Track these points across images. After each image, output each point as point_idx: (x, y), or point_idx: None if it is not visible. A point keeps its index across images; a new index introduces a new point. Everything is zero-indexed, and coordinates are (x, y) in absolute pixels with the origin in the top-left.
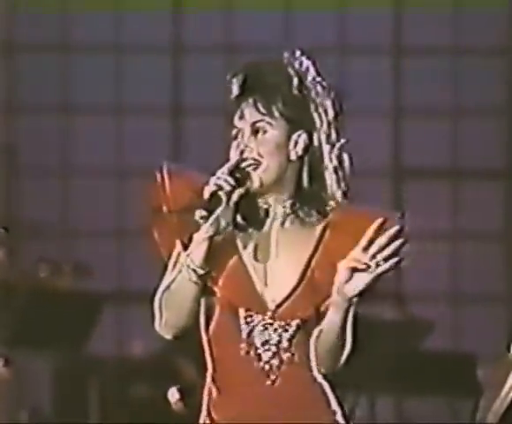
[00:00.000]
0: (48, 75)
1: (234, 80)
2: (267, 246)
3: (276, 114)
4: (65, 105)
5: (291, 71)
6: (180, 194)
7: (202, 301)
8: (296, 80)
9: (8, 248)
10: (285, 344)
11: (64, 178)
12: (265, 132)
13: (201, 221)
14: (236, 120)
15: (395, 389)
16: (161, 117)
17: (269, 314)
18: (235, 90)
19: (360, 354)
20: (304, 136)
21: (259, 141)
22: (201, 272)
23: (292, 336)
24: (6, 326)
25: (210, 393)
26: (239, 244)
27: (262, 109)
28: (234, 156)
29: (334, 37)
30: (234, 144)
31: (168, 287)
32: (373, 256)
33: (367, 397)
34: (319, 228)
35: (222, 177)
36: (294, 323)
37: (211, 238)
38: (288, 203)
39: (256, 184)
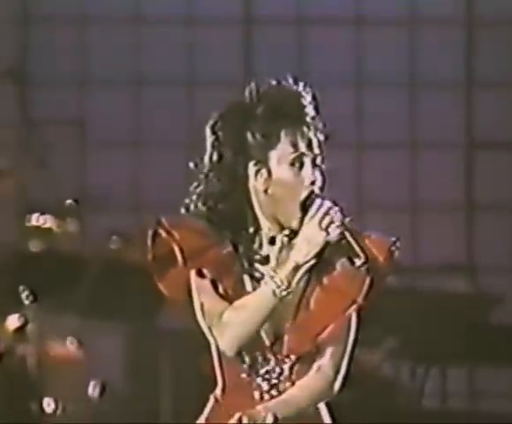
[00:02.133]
0: (119, 48)
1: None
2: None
3: (325, 151)
4: (135, 78)
5: (308, 102)
6: (189, 241)
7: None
8: (314, 113)
9: (79, 221)
10: (286, 372)
11: (133, 149)
12: (317, 165)
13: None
14: (300, 144)
15: (466, 361)
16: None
17: (268, 351)
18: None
19: (432, 327)
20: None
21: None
22: (285, 293)
23: (293, 366)
24: (78, 299)
25: (216, 402)
26: (247, 281)
27: (323, 143)
28: (295, 182)
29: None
30: (294, 173)
31: (237, 306)
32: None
33: (439, 369)
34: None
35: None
36: (293, 357)
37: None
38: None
39: None
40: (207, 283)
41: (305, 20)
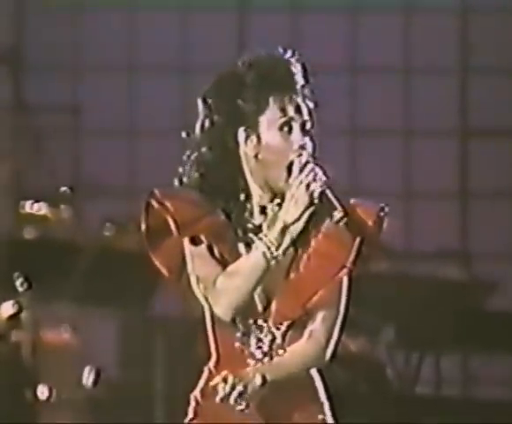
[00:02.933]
0: (114, 34)
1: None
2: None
3: (314, 117)
4: (130, 65)
5: (297, 72)
6: (182, 211)
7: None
8: (303, 82)
9: (73, 208)
10: (279, 340)
11: (128, 136)
12: (308, 131)
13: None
14: (289, 109)
15: (460, 347)
16: None
17: (260, 317)
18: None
19: (426, 313)
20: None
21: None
22: (276, 253)
23: (285, 333)
24: (73, 286)
25: (210, 374)
26: (242, 249)
27: (311, 110)
28: (289, 151)
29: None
30: (284, 137)
31: (230, 271)
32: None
33: (433, 356)
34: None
35: (321, 176)
36: (285, 323)
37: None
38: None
39: None
40: (202, 248)
41: (300, 8)
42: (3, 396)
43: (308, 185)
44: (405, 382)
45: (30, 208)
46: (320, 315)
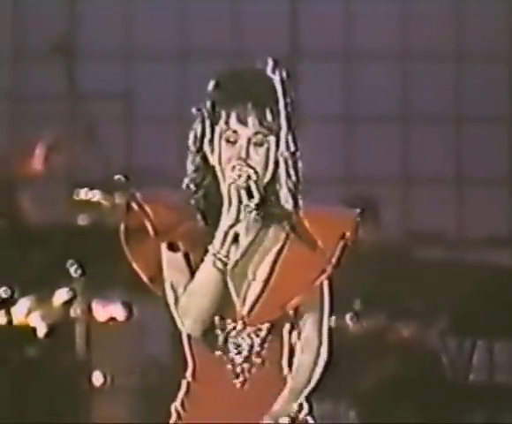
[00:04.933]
0: (165, 20)
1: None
2: (237, 254)
3: (274, 128)
4: (182, 52)
5: (279, 89)
6: (161, 215)
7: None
8: (283, 98)
9: (127, 195)
10: (257, 348)
11: (179, 123)
12: (261, 144)
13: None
14: (233, 123)
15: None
16: None
17: (241, 320)
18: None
19: (479, 300)
20: (284, 154)
21: (256, 152)
22: (227, 260)
23: (264, 340)
24: (126, 273)
25: (188, 385)
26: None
27: (266, 123)
28: (228, 157)
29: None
30: (229, 148)
31: (185, 288)
32: None
33: (485, 343)
34: (281, 233)
35: (246, 169)
36: (265, 327)
37: (234, 228)
38: (254, 212)
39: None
40: (178, 256)
41: None
42: (58, 383)
43: (235, 184)
44: (458, 369)
45: (84, 195)
46: (308, 321)
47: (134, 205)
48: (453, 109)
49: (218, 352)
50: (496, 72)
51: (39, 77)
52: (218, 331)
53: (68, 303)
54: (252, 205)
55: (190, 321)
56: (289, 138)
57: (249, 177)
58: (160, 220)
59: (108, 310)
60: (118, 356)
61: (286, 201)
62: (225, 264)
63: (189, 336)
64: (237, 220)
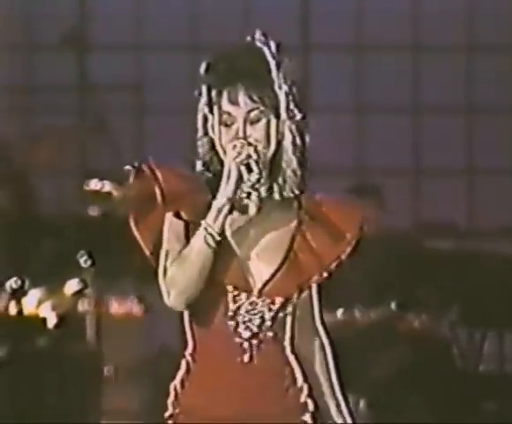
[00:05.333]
0: (175, 12)
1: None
2: (248, 227)
3: (267, 102)
4: (192, 42)
5: (269, 57)
6: (172, 183)
7: None
8: (275, 66)
9: None
10: (268, 322)
11: (190, 114)
12: (258, 120)
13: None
14: (225, 105)
15: None
16: None
17: (255, 292)
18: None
19: (490, 291)
20: (287, 123)
21: (254, 129)
22: (219, 238)
23: (275, 315)
24: (136, 263)
25: (188, 365)
26: (227, 228)
27: (256, 99)
28: (228, 139)
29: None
30: (226, 130)
31: (175, 259)
32: None
33: (496, 333)
34: (294, 210)
35: (247, 147)
36: (278, 301)
37: (230, 205)
38: (264, 187)
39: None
40: (179, 224)
41: None
42: (68, 373)
43: (235, 161)
44: (469, 359)
45: (95, 185)
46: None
47: (145, 168)
48: (464, 99)
49: (229, 324)
50: (508, 63)
51: (50, 68)
52: (230, 303)
53: (78, 293)
54: (253, 179)
55: (174, 293)
56: (291, 106)
57: (249, 156)
58: (169, 187)
59: (124, 307)
60: (129, 346)
61: (295, 175)
62: (216, 241)
63: (190, 313)
64: (233, 197)
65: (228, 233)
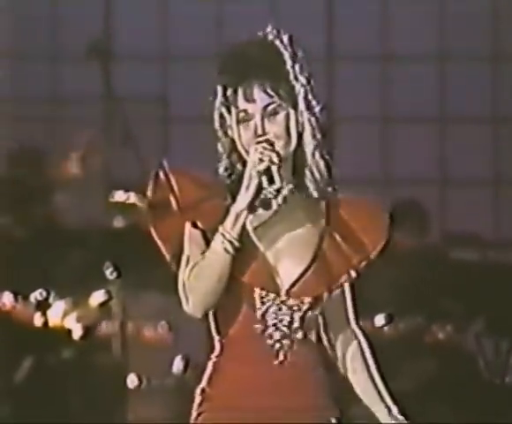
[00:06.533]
0: (201, 22)
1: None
2: (272, 223)
3: (283, 95)
4: (217, 54)
5: (283, 49)
6: (187, 190)
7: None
8: (289, 58)
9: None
10: (297, 323)
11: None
12: (276, 113)
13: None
14: (241, 103)
15: None
16: None
17: (284, 292)
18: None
19: None
20: (305, 115)
21: (273, 124)
22: (237, 244)
23: (304, 315)
24: (162, 275)
25: (215, 367)
26: (248, 225)
27: (272, 93)
28: (248, 141)
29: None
30: (244, 128)
31: (194, 265)
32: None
33: None
34: (322, 209)
35: (269, 153)
36: (306, 301)
37: (248, 210)
38: (290, 185)
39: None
40: (198, 233)
41: None
42: (94, 383)
43: (256, 169)
44: (495, 371)
45: (120, 197)
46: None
47: (162, 175)
48: (489, 109)
49: (258, 326)
50: None
51: (76, 79)
52: (258, 305)
53: (104, 305)
54: (273, 190)
55: (193, 300)
56: (309, 97)
57: (272, 162)
58: (184, 194)
59: (154, 333)
60: (154, 358)
61: (319, 172)
62: (234, 247)
63: (215, 314)
64: (252, 204)
65: (249, 228)
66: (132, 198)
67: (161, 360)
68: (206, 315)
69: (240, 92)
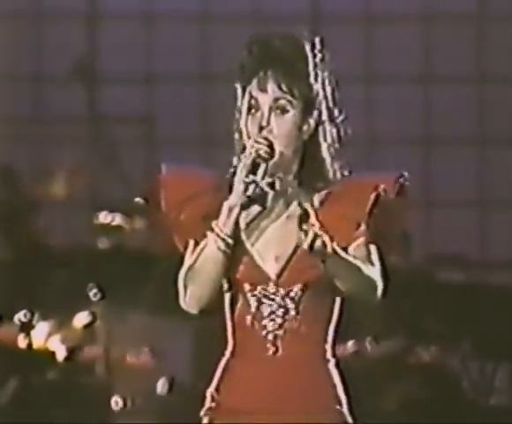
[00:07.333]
0: (186, 44)
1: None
2: (262, 220)
3: (296, 93)
4: (203, 73)
5: (308, 49)
6: (176, 194)
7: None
8: (312, 58)
9: (147, 218)
10: (292, 312)
11: (201, 145)
12: (285, 110)
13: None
14: (254, 90)
15: None
16: None
17: (272, 283)
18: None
19: (501, 323)
20: (315, 115)
21: (280, 120)
22: (230, 241)
23: (298, 302)
24: (146, 296)
25: (227, 364)
26: (242, 223)
27: (285, 88)
28: (252, 130)
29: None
30: (251, 116)
31: (193, 263)
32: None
33: (507, 366)
34: (318, 199)
35: (260, 146)
36: (297, 287)
37: (240, 207)
38: (295, 183)
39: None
40: (195, 229)
41: None
42: (78, 405)
43: (245, 160)
44: (480, 392)
45: (104, 218)
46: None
47: (160, 177)
48: (477, 130)
49: (249, 318)
50: None
51: (60, 100)
52: (250, 298)
53: (88, 326)
54: (258, 180)
55: (189, 295)
56: (330, 104)
57: (260, 156)
58: (171, 194)
59: (136, 360)
60: (138, 379)
61: (331, 166)
62: (227, 244)
63: (232, 310)
64: (242, 198)
65: (242, 226)
66: (117, 219)
67: (146, 382)
68: (205, 316)
69: (255, 80)
